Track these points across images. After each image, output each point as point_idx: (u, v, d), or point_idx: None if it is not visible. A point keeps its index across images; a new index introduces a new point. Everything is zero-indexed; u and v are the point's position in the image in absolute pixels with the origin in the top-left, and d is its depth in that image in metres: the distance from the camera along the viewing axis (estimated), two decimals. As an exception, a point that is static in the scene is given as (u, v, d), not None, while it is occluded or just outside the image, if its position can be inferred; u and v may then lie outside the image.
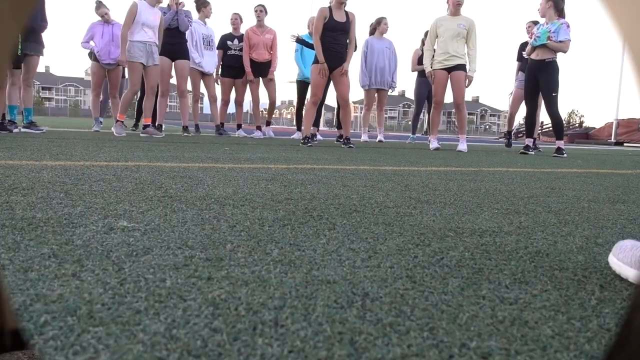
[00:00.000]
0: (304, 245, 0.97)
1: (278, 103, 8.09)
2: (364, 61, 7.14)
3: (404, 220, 1.28)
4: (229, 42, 7.20)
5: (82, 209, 1.22)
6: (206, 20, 7.00)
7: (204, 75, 6.97)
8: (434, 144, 5.67)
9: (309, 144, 5.23)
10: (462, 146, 5.65)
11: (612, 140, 16.29)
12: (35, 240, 0.91)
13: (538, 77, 5.48)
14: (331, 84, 5.42)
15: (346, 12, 5.00)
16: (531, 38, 5.75)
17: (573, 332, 0.60)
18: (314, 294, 0.69)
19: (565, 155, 5.43)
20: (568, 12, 5.45)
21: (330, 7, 4.91)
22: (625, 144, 15.86)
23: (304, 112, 5.49)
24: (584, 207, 1.67)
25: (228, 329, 0.56)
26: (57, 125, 9.59)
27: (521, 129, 18.49)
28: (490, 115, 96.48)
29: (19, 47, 4.99)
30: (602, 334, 0.60)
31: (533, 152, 5.93)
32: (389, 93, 7.78)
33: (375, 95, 7.57)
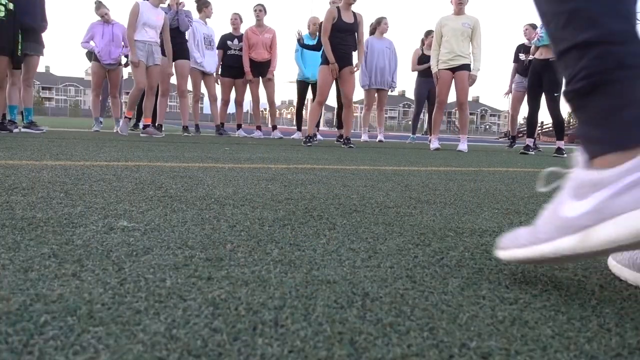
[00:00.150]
0: (304, 245, 0.97)
1: (278, 103, 8.07)
2: (364, 61, 7.15)
3: (404, 220, 1.28)
4: (229, 42, 7.20)
5: (82, 209, 1.22)
6: (207, 20, 7.00)
7: (204, 75, 6.97)
8: (434, 144, 5.67)
9: (309, 144, 5.26)
10: (463, 146, 5.65)
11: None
12: (35, 240, 0.91)
13: (542, 76, 5.48)
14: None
15: (354, 13, 5.04)
16: (533, 39, 5.75)
17: (573, 332, 0.60)
18: (314, 294, 0.69)
19: (565, 155, 5.43)
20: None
21: (338, 8, 4.95)
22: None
23: (308, 112, 5.51)
24: (584, 207, 1.66)
25: (228, 329, 0.56)
26: (57, 125, 9.59)
27: (521, 129, 18.48)
28: (491, 115, 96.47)
29: (20, 47, 4.99)
30: (602, 334, 0.60)
31: (533, 152, 5.93)
32: (389, 93, 7.79)
33: (375, 95, 7.57)
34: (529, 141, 5.94)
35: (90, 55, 6.90)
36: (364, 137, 7.91)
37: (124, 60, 6.91)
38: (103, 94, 7.26)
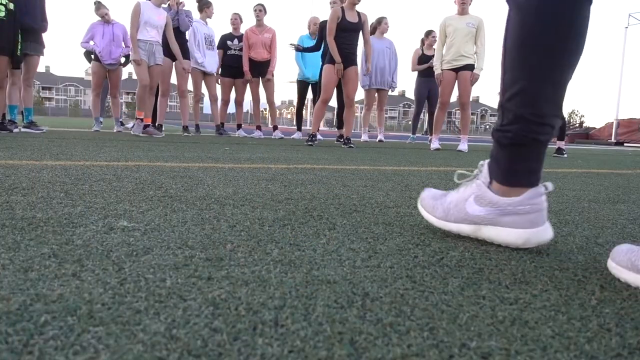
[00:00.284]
0: (304, 245, 0.97)
1: (278, 103, 8.06)
2: (364, 61, 7.15)
3: (404, 220, 1.28)
4: (229, 42, 7.20)
5: (82, 209, 1.22)
6: (207, 20, 7.00)
7: (205, 75, 6.97)
8: (434, 144, 5.67)
9: (311, 143, 5.29)
10: (463, 146, 5.65)
11: (613, 140, 16.28)
12: (35, 240, 0.91)
13: None
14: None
15: (358, 13, 5.07)
16: None
17: (573, 332, 0.60)
18: (314, 293, 0.69)
19: (565, 155, 5.43)
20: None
21: (342, 8, 4.98)
22: (625, 144, 15.86)
23: (313, 111, 5.53)
24: (584, 207, 1.67)
25: (228, 329, 0.56)
26: (57, 125, 9.59)
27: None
28: (491, 115, 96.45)
29: (19, 47, 4.99)
30: (602, 334, 0.60)
31: None
32: (389, 93, 7.78)
33: (376, 95, 7.57)
34: None
35: (89, 55, 6.89)
36: (364, 137, 7.91)
37: (123, 60, 6.91)
38: (102, 94, 7.26)
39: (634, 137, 15.83)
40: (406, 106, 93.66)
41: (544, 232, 1.01)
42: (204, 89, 7.11)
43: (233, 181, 1.90)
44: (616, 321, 0.65)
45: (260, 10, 7.03)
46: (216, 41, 7.16)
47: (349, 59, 5.11)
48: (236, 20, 7.21)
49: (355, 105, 5.51)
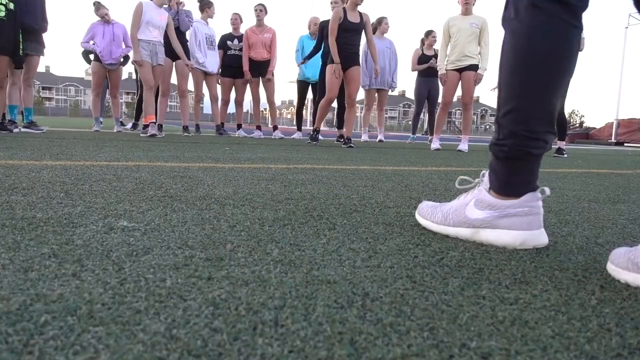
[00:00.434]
0: (304, 245, 0.97)
1: (278, 103, 8.07)
2: (365, 61, 7.15)
3: (404, 220, 1.28)
4: (228, 42, 7.20)
5: (82, 209, 1.22)
6: (208, 20, 6.99)
7: (206, 75, 6.97)
8: (435, 144, 5.67)
9: (314, 140, 5.38)
10: (463, 146, 5.64)
11: (613, 140, 16.28)
12: (35, 240, 0.91)
13: None
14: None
15: (360, 13, 5.09)
16: None
17: (573, 332, 0.60)
18: (314, 293, 0.69)
19: (565, 155, 5.43)
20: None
21: (344, 9, 5.01)
22: (625, 144, 15.86)
23: (318, 108, 5.55)
24: (584, 207, 1.67)
25: (228, 329, 0.56)
26: (57, 125, 9.59)
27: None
28: (491, 115, 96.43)
29: (22, 47, 4.99)
30: (602, 334, 0.60)
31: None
32: (389, 93, 7.78)
33: (376, 95, 7.57)
34: None
35: (86, 55, 6.89)
36: (364, 137, 7.91)
37: (122, 59, 6.90)
38: (101, 94, 7.26)
39: (634, 137, 15.83)
40: (406, 106, 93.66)
41: (540, 236, 1.04)
42: (204, 89, 7.11)
43: (233, 181, 1.90)
44: (616, 321, 0.65)
45: (260, 10, 7.03)
46: (216, 41, 7.16)
47: (352, 59, 5.13)
48: (236, 20, 7.21)
49: (356, 105, 5.52)
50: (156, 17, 5.58)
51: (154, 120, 5.66)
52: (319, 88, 6.24)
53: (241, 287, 0.71)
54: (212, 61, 6.93)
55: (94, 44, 6.65)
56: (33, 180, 1.66)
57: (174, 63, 6.43)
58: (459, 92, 5.57)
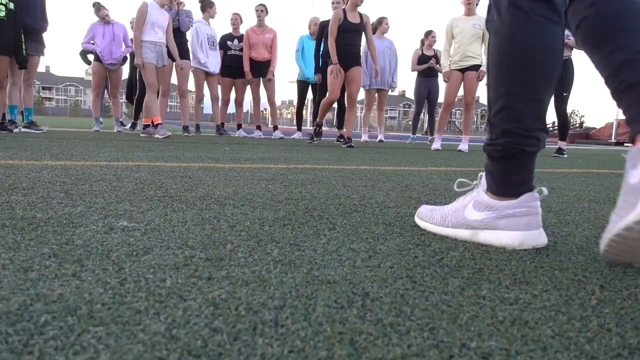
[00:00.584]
0: (304, 245, 0.97)
1: (278, 103, 8.05)
2: (365, 61, 7.15)
3: (404, 221, 1.28)
4: (229, 42, 7.20)
5: (83, 209, 1.22)
6: (210, 20, 6.98)
7: (207, 75, 6.97)
8: (436, 144, 5.67)
9: (317, 137, 5.44)
10: (464, 146, 5.64)
11: (613, 140, 16.28)
12: (35, 240, 0.91)
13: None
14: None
15: (360, 14, 5.11)
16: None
17: (573, 332, 0.60)
18: (314, 294, 0.69)
19: (565, 155, 5.43)
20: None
21: (344, 10, 5.04)
22: (625, 144, 15.85)
23: (320, 105, 5.57)
24: (584, 207, 1.67)
25: (228, 329, 0.56)
26: (57, 125, 9.59)
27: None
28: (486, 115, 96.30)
29: (24, 47, 4.99)
30: (602, 334, 0.60)
31: None
32: (389, 93, 7.78)
33: (376, 95, 7.57)
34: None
35: (84, 55, 6.89)
36: (364, 137, 7.91)
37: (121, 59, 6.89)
38: (100, 94, 7.26)
39: (634, 137, 15.80)
40: (406, 106, 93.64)
41: (539, 236, 1.04)
42: (205, 89, 7.11)
43: (233, 181, 1.90)
44: (616, 321, 0.65)
45: (262, 11, 7.03)
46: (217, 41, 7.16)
47: (353, 59, 5.14)
48: (236, 20, 7.22)
49: (356, 105, 5.53)
50: (160, 18, 5.52)
51: (161, 122, 5.61)
52: (319, 88, 6.24)
53: (241, 287, 0.71)
54: (213, 61, 6.92)
55: (93, 44, 6.65)
56: (33, 180, 1.66)
57: (174, 63, 6.43)
58: (460, 92, 5.56)
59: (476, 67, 5.30)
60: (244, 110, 8.36)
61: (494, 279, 0.81)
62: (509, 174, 1.06)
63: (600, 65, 1.01)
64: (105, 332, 0.54)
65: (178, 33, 6.34)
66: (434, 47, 8.01)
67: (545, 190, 1.07)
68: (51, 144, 3.49)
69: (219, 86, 7.28)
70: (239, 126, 7.75)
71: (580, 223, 1.37)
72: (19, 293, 0.64)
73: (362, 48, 5.60)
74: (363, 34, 5.23)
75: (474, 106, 5.66)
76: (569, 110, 5.67)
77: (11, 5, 4.82)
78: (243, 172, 2.23)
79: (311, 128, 6.08)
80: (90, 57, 6.80)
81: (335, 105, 6.46)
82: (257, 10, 7.05)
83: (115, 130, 6.99)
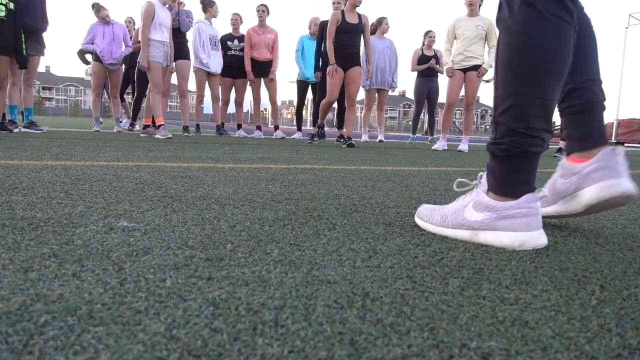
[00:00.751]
0: (304, 245, 0.97)
1: (278, 103, 8.02)
2: (365, 61, 7.15)
3: (404, 221, 1.28)
4: (229, 43, 7.20)
5: (83, 209, 1.22)
6: (212, 20, 6.97)
7: (209, 75, 6.96)
8: (441, 144, 5.67)
9: (317, 138, 5.46)
10: (464, 146, 5.64)
11: (613, 140, 16.27)
12: (35, 240, 0.91)
13: None
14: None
15: (359, 14, 5.13)
16: None
17: (573, 333, 0.60)
18: (314, 294, 0.69)
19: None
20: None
21: (342, 11, 5.07)
22: (625, 144, 15.86)
23: (320, 108, 5.58)
24: (584, 207, 1.66)
25: (228, 329, 0.56)
26: (58, 125, 9.59)
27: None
28: (491, 115, 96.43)
29: (24, 47, 4.99)
30: (602, 334, 0.60)
31: None
32: (389, 93, 7.78)
33: (376, 95, 7.57)
34: None
35: (82, 55, 6.88)
36: (364, 137, 7.91)
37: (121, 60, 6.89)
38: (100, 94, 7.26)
39: (634, 138, 15.82)
40: (406, 106, 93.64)
41: (539, 237, 1.04)
42: (206, 90, 7.11)
43: (233, 181, 1.90)
44: (616, 321, 0.65)
45: (263, 11, 7.03)
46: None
47: (352, 60, 5.16)
48: (236, 20, 7.22)
49: (356, 105, 5.53)
50: (165, 17, 5.49)
51: (163, 123, 5.60)
52: (319, 88, 6.25)
53: (241, 287, 0.71)
54: (215, 62, 6.92)
55: (93, 44, 6.65)
56: (33, 180, 1.66)
57: (174, 63, 6.43)
58: (464, 92, 5.56)
59: (478, 68, 5.30)
60: (244, 110, 8.35)
61: (494, 279, 0.81)
62: (512, 173, 1.06)
63: None
64: (105, 332, 0.54)
65: (178, 33, 6.34)
66: (433, 47, 8.01)
67: (546, 191, 1.07)
68: (51, 144, 3.49)
69: (220, 86, 7.28)
70: (239, 126, 7.75)
71: (580, 223, 1.37)
72: (19, 293, 0.64)
73: (361, 48, 5.61)
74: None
75: (474, 107, 5.65)
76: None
77: (11, 5, 4.82)
78: (243, 172, 2.23)
79: (311, 128, 6.08)
80: (89, 57, 6.79)
81: (335, 105, 6.46)
82: (258, 11, 7.05)
83: (115, 131, 6.99)
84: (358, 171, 2.57)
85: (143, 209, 1.27)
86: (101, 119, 7.18)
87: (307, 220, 1.22)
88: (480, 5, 5.33)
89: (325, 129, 5.88)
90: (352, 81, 5.20)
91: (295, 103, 7.97)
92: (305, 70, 7.33)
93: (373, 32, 7.37)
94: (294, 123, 9.39)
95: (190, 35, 6.69)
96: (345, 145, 5.24)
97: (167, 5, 5.75)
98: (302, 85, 7.50)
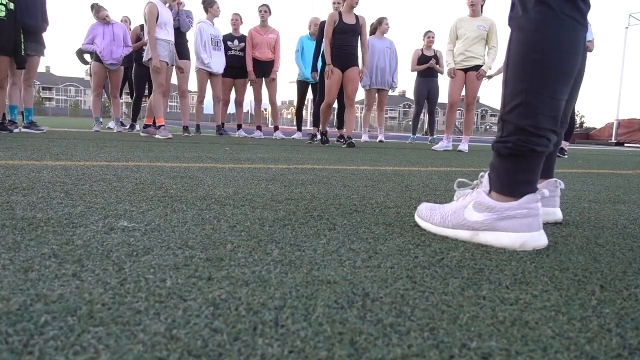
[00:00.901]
0: (305, 246, 0.97)
1: (278, 103, 8.03)
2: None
3: (404, 221, 1.28)
4: (229, 43, 7.20)
5: (83, 209, 1.22)
6: (214, 20, 6.96)
7: (211, 75, 6.96)
8: (444, 144, 5.67)
9: (314, 140, 5.47)
10: (464, 146, 5.64)
11: (613, 140, 16.27)
12: (35, 240, 0.91)
13: None
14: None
15: (356, 15, 5.15)
16: None
17: (573, 333, 0.60)
18: (315, 294, 0.69)
19: (566, 155, 5.43)
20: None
21: (339, 12, 5.09)
22: (625, 144, 15.85)
23: (320, 112, 5.59)
24: (584, 208, 1.67)
25: (228, 329, 0.56)
26: (58, 125, 9.59)
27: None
28: (491, 115, 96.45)
29: (23, 47, 4.99)
30: (602, 334, 0.60)
31: None
32: (389, 93, 7.78)
33: (376, 95, 7.57)
34: None
35: (81, 55, 6.87)
36: (364, 137, 7.91)
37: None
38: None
39: (634, 138, 15.82)
40: (406, 106, 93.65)
41: (540, 237, 1.04)
42: (207, 90, 7.10)
43: (233, 181, 1.90)
44: (616, 321, 0.65)
45: (265, 11, 7.03)
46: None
47: (349, 60, 5.17)
48: (236, 20, 7.21)
49: (355, 105, 5.53)
50: (168, 16, 5.47)
51: (163, 124, 5.59)
52: (319, 89, 6.25)
53: (241, 288, 0.71)
54: (217, 62, 6.91)
55: (93, 44, 6.65)
56: (33, 181, 1.66)
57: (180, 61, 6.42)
58: (465, 92, 5.56)
59: (478, 68, 5.30)
60: (244, 110, 8.35)
61: (494, 280, 0.81)
62: (516, 172, 1.06)
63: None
64: (105, 332, 0.54)
65: (178, 33, 6.33)
66: (433, 47, 8.01)
67: (546, 192, 1.07)
68: (51, 144, 3.49)
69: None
70: (239, 126, 7.75)
71: (580, 223, 1.37)
72: (19, 293, 0.64)
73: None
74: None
75: (475, 107, 5.65)
76: (569, 110, 5.66)
77: (11, 5, 4.82)
78: (243, 173, 2.23)
79: (311, 128, 6.08)
80: (87, 57, 6.79)
81: (335, 105, 6.47)
82: (260, 11, 7.05)
83: (115, 131, 6.99)
84: (358, 171, 2.57)
85: (143, 209, 1.27)
86: (101, 119, 7.17)
87: (307, 220, 1.22)
88: (482, 6, 5.33)
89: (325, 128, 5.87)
90: (350, 81, 5.21)
91: (295, 103, 7.97)
92: (305, 71, 7.33)
93: (373, 32, 7.37)
94: (294, 123, 9.39)
95: (191, 36, 6.69)
96: (345, 145, 5.24)
97: (167, 5, 5.75)
98: (302, 86, 7.50)
